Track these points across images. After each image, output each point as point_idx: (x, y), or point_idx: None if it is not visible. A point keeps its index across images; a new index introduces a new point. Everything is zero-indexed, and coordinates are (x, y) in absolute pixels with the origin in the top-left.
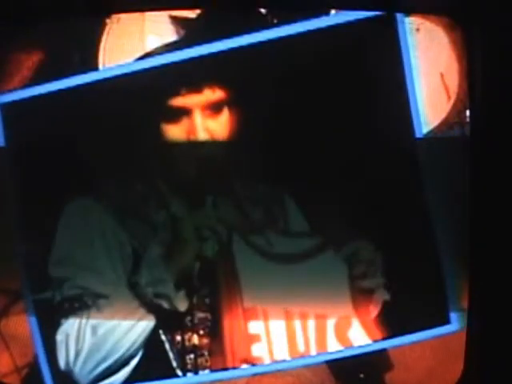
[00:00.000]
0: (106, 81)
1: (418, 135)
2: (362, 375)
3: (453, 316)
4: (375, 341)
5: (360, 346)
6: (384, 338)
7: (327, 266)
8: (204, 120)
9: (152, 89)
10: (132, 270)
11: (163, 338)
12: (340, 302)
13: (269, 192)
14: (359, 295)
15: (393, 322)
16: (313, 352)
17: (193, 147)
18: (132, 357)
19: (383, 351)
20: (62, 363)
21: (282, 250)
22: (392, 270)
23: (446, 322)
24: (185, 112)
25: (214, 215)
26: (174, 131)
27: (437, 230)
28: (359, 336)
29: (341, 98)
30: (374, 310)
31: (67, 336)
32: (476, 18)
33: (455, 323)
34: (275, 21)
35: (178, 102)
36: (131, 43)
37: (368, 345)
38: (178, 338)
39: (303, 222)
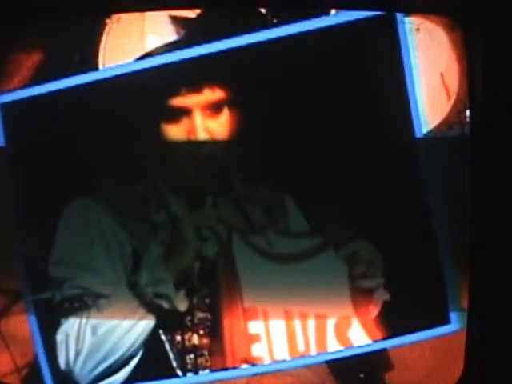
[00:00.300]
0: (106, 81)
1: (418, 135)
2: (362, 375)
3: (453, 316)
4: (375, 341)
5: (360, 346)
6: (384, 338)
7: (327, 265)
8: (204, 120)
9: (152, 89)
10: (132, 270)
11: (163, 337)
12: (340, 301)
13: (269, 192)
14: (359, 295)
15: (393, 322)
16: (313, 352)
17: (193, 147)
18: (132, 357)
19: (383, 351)
20: (61, 363)
21: (282, 250)
22: (392, 270)
23: (446, 321)
24: (185, 112)
25: (214, 215)
26: (174, 131)
27: (437, 230)
28: (359, 336)
29: (341, 98)
30: (373, 310)
31: (67, 336)
32: (476, 18)
33: (455, 323)
34: (275, 21)
35: (178, 101)
36: (131, 43)
37: (368, 345)
38: (178, 337)
39: (303, 221)
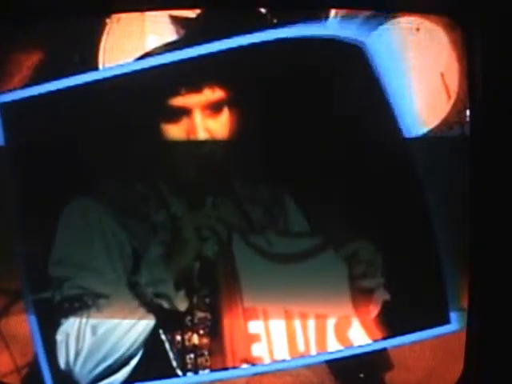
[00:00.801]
0: (106, 81)
1: (407, 136)
2: (361, 375)
3: (453, 316)
4: (375, 341)
5: (360, 346)
6: (384, 338)
7: (327, 265)
8: (204, 120)
9: (152, 89)
10: (132, 270)
11: (163, 337)
12: (340, 302)
13: (269, 192)
14: (359, 295)
15: (393, 322)
16: (313, 352)
17: (193, 147)
18: (132, 356)
19: (383, 351)
20: (61, 363)
21: (282, 250)
22: (392, 270)
23: (446, 321)
24: (185, 112)
25: (214, 215)
26: (174, 131)
27: (437, 230)
28: (359, 336)
29: (338, 99)
30: (374, 310)
31: (67, 336)
32: (476, 18)
33: (455, 323)
34: (275, 21)
35: (178, 101)
36: (131, 43)
37: (368, 345)
38: (178, 337)
39: (303, 221)
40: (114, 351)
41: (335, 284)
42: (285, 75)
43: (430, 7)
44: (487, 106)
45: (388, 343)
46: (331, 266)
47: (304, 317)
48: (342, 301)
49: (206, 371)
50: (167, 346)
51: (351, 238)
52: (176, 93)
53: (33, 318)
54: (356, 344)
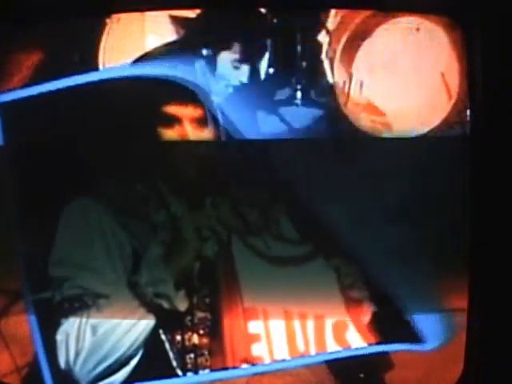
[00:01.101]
0: (106, 81)
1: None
2: (361, 375)
3: (428, 336)
4: (370, 344)
5: (357, 348)
6: (377, 343)
7: (322, 270)
8: (194, 131)
9: (149, 92)
10: (132, 270)
11: (163, 337)
12: (335, 306)
13: (264, 196)
14: (351, 302)
15: (382, 331)
16: (312, 352)
17: (193, 147)
18: (132, 356)
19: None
20: (62, 363)
21: (279, 253)
22: (372, 285)
23: (421, 341)
24: (177, 120)
25: (213, 215)
26: (173, 131)
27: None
28: (357, 337)
29: None
30: (365, 317)
31: (67, 336)
32: (476, 18)
33: (431, 343)
34: (275, 21)
35: (171, 110)
36: (131, 43)
37: (364, 348)
38: (178, 337)
39: (293, 231)
40: (114, 351)
41: (330, 288)
42: None
43: (430, 7)
44: (487, 106)
45: (386, 347)
46: (325, 270)
47: (304, 317)
48: (337, 305)
49: (206, 371)
50: (167, 346)
51: (337, 251)
52: (168, 102)
53: (33, 318)
54: (354, 345)
